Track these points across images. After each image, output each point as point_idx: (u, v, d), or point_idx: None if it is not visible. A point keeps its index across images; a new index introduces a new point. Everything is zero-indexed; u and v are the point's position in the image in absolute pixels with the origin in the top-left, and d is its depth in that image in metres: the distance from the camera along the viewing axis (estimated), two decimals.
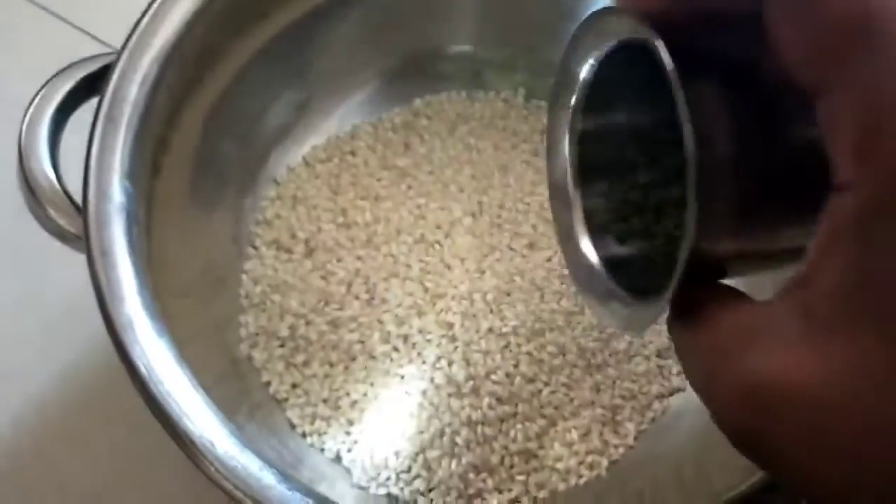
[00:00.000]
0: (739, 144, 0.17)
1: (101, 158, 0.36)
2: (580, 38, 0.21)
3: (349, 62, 0.50)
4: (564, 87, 0.22)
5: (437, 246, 0.48)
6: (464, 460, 0.43)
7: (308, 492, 0.32)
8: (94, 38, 0.58)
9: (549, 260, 0.48)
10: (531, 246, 0.49)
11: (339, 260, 0.48)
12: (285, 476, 0.32)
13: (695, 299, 0.17)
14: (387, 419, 0.44)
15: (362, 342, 0.46)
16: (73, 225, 0.37)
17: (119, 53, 0.38)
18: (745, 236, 0.18)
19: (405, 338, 0.46)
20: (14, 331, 0.51)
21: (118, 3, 0.57)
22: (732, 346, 0.15)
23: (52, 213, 0.37)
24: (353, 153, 0.51)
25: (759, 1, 0.15)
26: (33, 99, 0.38)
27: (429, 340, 0.46)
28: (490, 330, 0.46)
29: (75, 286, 0.50)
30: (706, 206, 0.16)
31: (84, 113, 0.39)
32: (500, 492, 0.43)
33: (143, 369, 0.32)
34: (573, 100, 0.22)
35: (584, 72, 0.21)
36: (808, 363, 0.13)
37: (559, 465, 0.44)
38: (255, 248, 0.48)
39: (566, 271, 0.44)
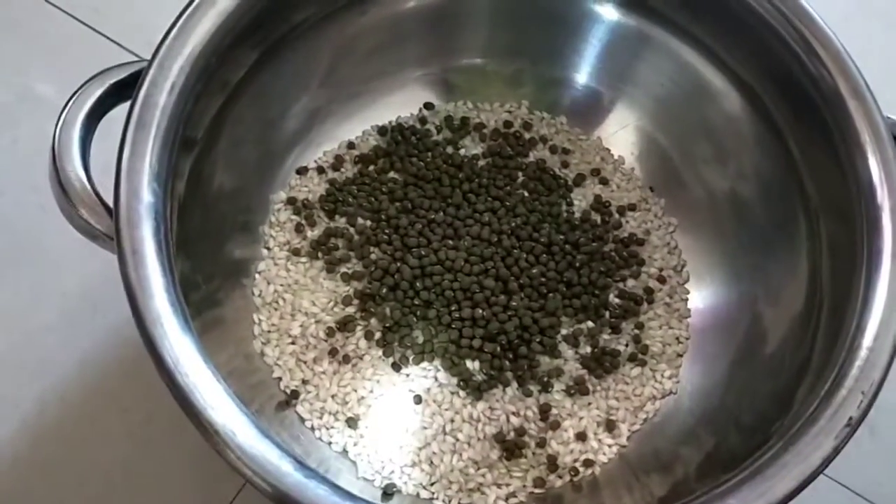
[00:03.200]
0: None
1: (131, 161, 0.37)
2: None
3: (364, 72, 0.52)
4: None
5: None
6: (464, 456, 0.45)
7: (323, 479, 0.33)
8: (119, 44, 0.59)
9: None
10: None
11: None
12: (302, 464, 0.33)
13: None
14: (392, 415, 0.46)
15: (369, 340, 0.47)
16: (102, 224, 0.38)
17: (149, 62, 0.39)
18: None
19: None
20: (36, 323, 0.52)
21: (141, 13, 0.59)
22: None
23: (83, 212, 0.38)
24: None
25: None
26: (67, 103, 0.39)
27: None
28: None
29: (94, 280, 0.53)
30: None
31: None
32: (499, 486, 0.45)
33: (170, 362, 0.34)
34: None
35: None
36: None
37: (556, 463, 0.45)
38: (268, 249, 0.50)
39: None
